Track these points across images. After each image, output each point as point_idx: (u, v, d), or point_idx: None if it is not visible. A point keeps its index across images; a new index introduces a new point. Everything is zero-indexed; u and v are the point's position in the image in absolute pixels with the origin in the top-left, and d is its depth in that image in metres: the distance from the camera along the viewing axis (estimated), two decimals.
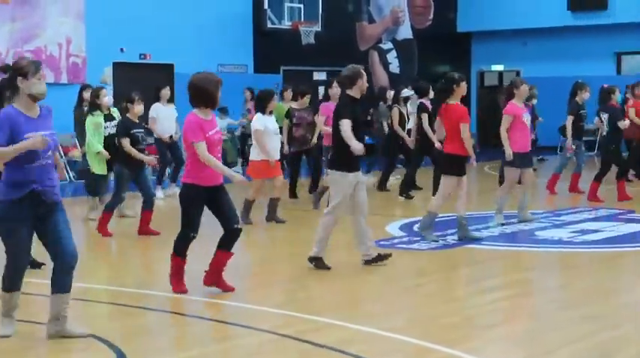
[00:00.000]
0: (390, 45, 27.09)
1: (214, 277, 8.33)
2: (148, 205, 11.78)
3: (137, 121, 11.98)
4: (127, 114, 11.98)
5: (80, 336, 6.78)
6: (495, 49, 28.76)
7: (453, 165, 10.94)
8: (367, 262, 9.61)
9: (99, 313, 8.00)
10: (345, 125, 9.21)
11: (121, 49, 21.29)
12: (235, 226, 8.31)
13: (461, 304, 8.02)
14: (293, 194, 15.43)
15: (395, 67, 27.02)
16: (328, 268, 9.38)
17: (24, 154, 6.51)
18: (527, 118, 12.25)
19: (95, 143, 12.78)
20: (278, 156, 12.64)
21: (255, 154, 12.48)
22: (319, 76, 24.44)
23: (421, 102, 15.61)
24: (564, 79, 26.26)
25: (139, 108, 11.94)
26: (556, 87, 24.36)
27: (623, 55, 27.24)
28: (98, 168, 12.96)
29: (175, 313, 7.72)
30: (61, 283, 6.81)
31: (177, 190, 14.97)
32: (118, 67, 21.02)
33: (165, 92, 16.61)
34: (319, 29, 24.29)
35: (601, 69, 26.44)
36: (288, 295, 8.47)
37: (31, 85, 6.61)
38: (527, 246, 11.00)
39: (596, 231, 11.93)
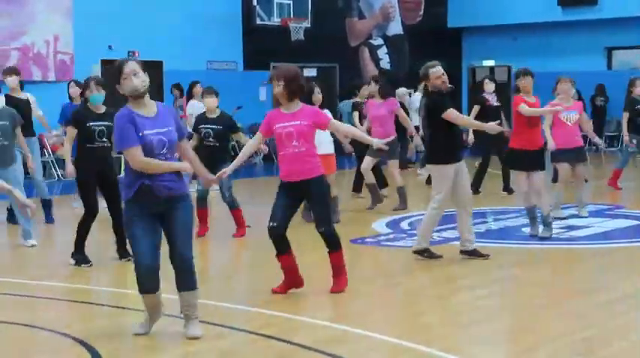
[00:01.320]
0: (380, 41, 27.06)
1: None
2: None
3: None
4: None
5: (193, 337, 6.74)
6: (486, 44, 28.74)
7: None
8: (462, 252, 9.87)
9: (75, 314, 7.93)
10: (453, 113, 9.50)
11: (109, 46, 21.22)
12: (320, 230, 8.25)
13: (441, 302, 7.98)
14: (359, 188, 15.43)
15: (386, 62, 26.99)
16: (439, 256, 9.68)
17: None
18: (566, 116, 12.21)
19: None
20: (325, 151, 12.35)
21: (328, 147, 12.04)
22: (309, 72, 24.37)
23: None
24: (555, 75, 26.32)
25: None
26: (547, 82, 24.30)
27: (614, 50, 27.21)
28: None
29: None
30: (184, 281, 6.84)
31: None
32: (106, 64, 20.93)
33: (198, 89, 16.51)
34: (309, 25, 24.24)
35: (592, 64, 26.45)
36: (268, 295, 8.41)
37: (121, 87, 6.66)
38: (513, 243, 10.96)
39: (584, 227, 11.89)
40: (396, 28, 27.35)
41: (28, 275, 9.54)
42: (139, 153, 6.48)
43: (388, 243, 10.88)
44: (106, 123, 9.55)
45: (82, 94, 9.43)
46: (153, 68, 22.20)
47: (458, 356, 6.21)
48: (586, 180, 13.84)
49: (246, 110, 21.50)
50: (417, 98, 20.81)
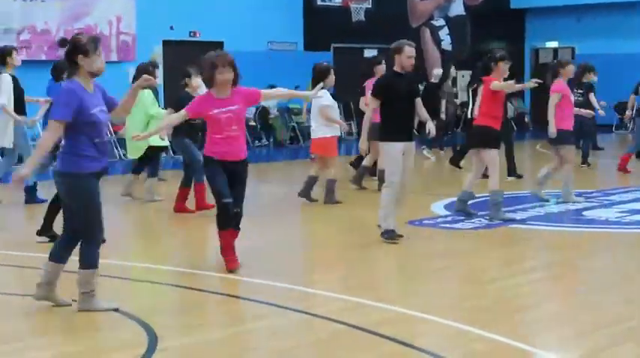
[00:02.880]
0: (442, 22, 26.84)
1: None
2: (189, 182, 11.79)
3: (194, 95, 11.92)
4: (187, 89, 11.94)
5: (113, 308, 6.86)
6: (549, 25, 28.35)
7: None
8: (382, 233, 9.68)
9: (131, 290, 8.01)
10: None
11: (171, 27, 21.34)
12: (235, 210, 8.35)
13: (496, 285, 7.89)
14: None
15: (447, 44, 26.78)
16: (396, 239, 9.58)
17: (86, 130, 6.68)
18: (573, 97, 12.14)
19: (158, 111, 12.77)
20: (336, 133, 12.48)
21: (325, 130, 12.25)
22: (370, 53, 24.26)
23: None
24: (619, 56, 25.92)
25: (196, 81, 11.92)
26: (611, 64, 23.99)
27: None
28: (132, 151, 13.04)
29: (207, 291, 7.69)
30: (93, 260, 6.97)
31: None
32: (167, 44, 21.07)
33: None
34: (369, 6, 24.16)
35: None
36: (322, 275, 8.42)
37: (92, 62, 6.69)
38: (573, 226, 10.82)
39: None
40: (458, 8, 27.11)
41: None
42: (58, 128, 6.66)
43: (446, 225, 10.80)
44: None
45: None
46: (213, 48, 22.30)
47: (511, 339, 6.15)
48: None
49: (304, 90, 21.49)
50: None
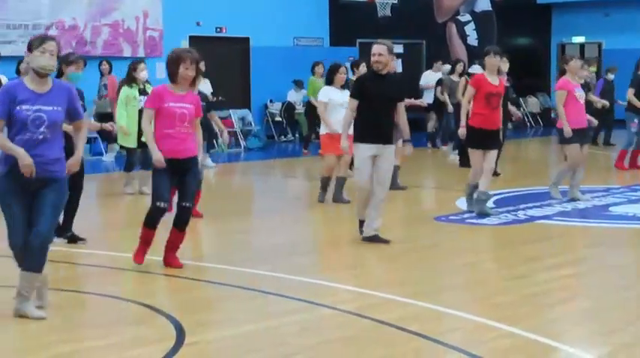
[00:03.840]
0: (468, 17, 26.73)
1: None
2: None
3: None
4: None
5: (37, 318, 6.60)
6: (576, 20, 28.19)
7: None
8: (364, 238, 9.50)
9: (158, 286, 8.05)
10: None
11: (197, 23, 21.39)
12: (182, 203, 8.26)
13: (523, 281, 7.87)
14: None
15: (473, 39, 26.65)
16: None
17: (12, 128, 6.47)
18: (579, 94, 11.90)
19: (122, 115, 12.70)
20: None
21: (322, 128, 12.32)
22: (396, 49, 24.22)
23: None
24: None
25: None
26: None
27: None
28: (124, 140, 12.98)
29: (234, 286, 7.72)
30: (26, 261, 6.62)
31: (208, 161, 14.93)
32: (194, 40, 21.11)
33: (201, 66, 16.46)
34: (395, 1, 24.10)
35: None
36: (350, 270, 8.44)
37: (32, 58, 6.56)
38: (600, 222, 10.78)
39: None
40: (484, 4, 26.97)
41: (115, 248, 9.70)
42: None
43: (472, 221, 10.79)
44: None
45: (59, 68, 9.22)
46: (240, 44, 22.38)
47: (541, 335, 6.14)
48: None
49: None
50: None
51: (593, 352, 5.92)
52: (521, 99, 26.19)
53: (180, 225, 8.30)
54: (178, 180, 8.20)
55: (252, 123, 21.81)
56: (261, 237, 10.42)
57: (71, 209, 9.24)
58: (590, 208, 11.70)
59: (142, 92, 12.92)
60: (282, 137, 22.82)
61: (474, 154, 10.98)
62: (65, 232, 9.47)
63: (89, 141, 19.07)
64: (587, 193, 12.35)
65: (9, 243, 6.65)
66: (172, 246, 8.37)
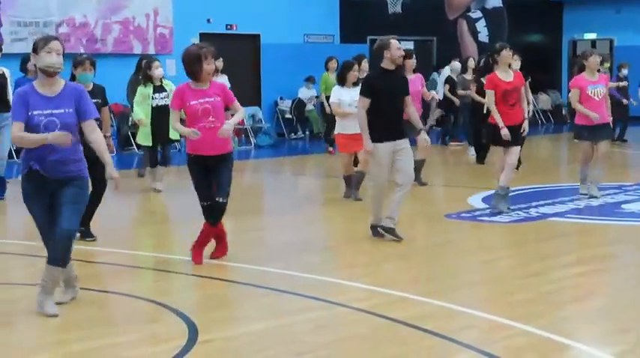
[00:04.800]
0: (479, 13, 26.70)
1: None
2: None
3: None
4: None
5: (50, 315, 6.65)
6: (588, 16, 28.11)
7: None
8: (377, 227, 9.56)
9: (171, 284, 8.05)
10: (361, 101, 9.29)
11: (208, 20, 21.40)
12: (217, 199, 8.29)
13: (537, 279, 7.84)
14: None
15: (484, 36, 26.63)
16: (382, 235, 9.41)
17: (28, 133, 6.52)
18: (592, 90, 11.79)
19: (138, 111, 12.76)
20: (357, 129, 12.21)
21: (337, 128, 12.29)
22: (406, 45, 24.19)
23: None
24: None
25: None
26: None
27: None
28: (141, 138, 13.01)
29: (247, 284, 7.72)
30: (50, 255, 6.73)
31: None
32: (204, 37, 21.11)
33: (219, 63, 16.47)
34: None
35: None
36: (363, 268, 8.41)
37: (39, 58, 6.59)
38: (613, 220, 10.74)
39: None
40: (495, 0, 26.94)
41: (128, 246, 9.70)
42: (17, 128, 6.49)
43: (484, 218, 10.76)
44: (94, 99, 9.29)
45: (72, 74, 9.26)
46: (250, 41, 22.37)
47: (554, 333, 6.12)
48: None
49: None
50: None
51: (607, 350, 5.89)
52: (532, 97, 26.13)
53: (214, 220, 8.41)
54: (214, 176, 8.27)
55: (263, 121, 21.81)
56: (273, 234, 10.42)
57: (91, 205, 9.24)
58: (602, 205, 11.65)
59: (158, 89, 12.95)
60: (293, 134, 22.80)
61: (497, 151, 10.92)
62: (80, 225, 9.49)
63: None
64: (599, 190, 12.29)
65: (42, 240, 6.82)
66: (203, 240, 8.49)
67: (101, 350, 6.01)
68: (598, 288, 7.75)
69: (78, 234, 9.35)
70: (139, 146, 13.23)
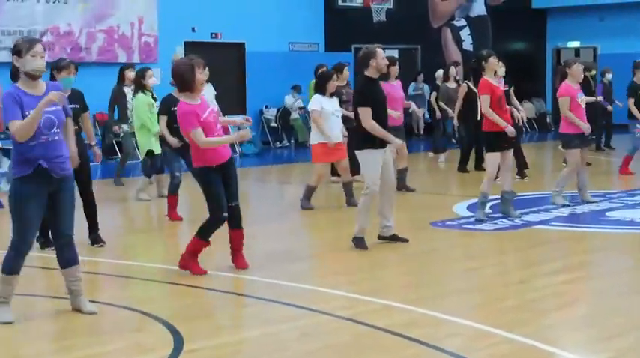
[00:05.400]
0: (463, 22, 26.80)
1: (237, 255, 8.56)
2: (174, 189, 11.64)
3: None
4: (172, 92, 10.96)
5: (89, 313, 6.91)
6: (571, 25, 28.25)
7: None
8: (380, 237, 9.73)
9: (155, 293, 8.04)
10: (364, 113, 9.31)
11: (193, 29, 21.41)
12: (231, 204, 8.31)
13: (522, 287, 7.87)
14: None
15: (468, 44, 26.73)
16: (365, 248, 9.43)
17: None
18: (581, 98, 11.87)
19: (154, 123, 12.65)
20: (338, 139, 12.20)
21: (313, 138, 12.27)
22: (391, 54, 24.24)
23: None
24: None
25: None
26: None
27: None
28: (153, 144, 12.91)
29: (232, 293, 7.72)
30: (62, 259, 6.92)
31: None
32: (189, 46, 21.13)
33: (205, 72, 16.41)
34: (391, 6, 24.14)
35: None
36: (348, 277, 8.42)
37: (25, 62, 6.64)
38: (597, 227, 10.77)
39: None
40: (479, 8, 27.05)
41: (113, 255, 9.68)
42: (18, 126, 6.54)
43: (469, 227, 10.78)
44: (74, 104, 9.08)
45: (51, 75, 9.22)
46: (235, 50, 22.38)
47: (538, 341, 6.13)
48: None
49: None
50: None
51: None
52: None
53: (237, 223, 8.43)
54: (223, 183, 8.30)
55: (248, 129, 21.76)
56: (258, 243, 10.39)
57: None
58: (587, 213, 11.70)
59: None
60: (278, 143, 22.81)
61: (493, 157, 10.98)
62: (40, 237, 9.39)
63: None
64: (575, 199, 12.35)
65: (18, 241, 6.74)
66: (238, 246, 8.52)
67: None
68: (583, 296, 7.78)
69: (38, 244, 9.30)
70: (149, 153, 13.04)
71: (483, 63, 11.10)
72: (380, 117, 9.36)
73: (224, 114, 20.87)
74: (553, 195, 12.18)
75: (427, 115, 18.95)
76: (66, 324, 6.78)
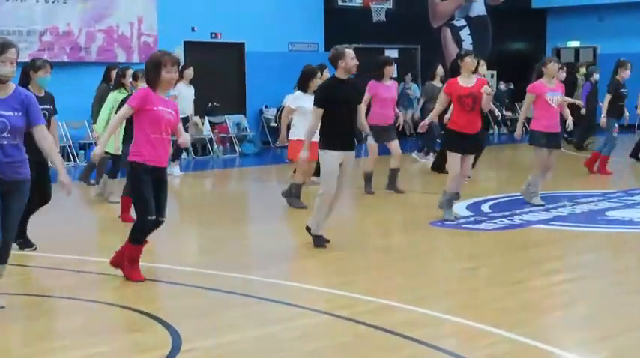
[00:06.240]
0: (463, 22, 26.77)
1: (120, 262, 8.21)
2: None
3: None
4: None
5: None
6: (571, 25, 28.23)
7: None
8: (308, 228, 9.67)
9: (154, 292, 8.02)
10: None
11: (192, 29, 21.39)
12: (160, 218, 8.02)
13: (521, 286, 7.86)
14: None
15: (468, 44, 26.69)
16: (323, 246, 9.46)
17: None
18: (551, 98, 11.84)
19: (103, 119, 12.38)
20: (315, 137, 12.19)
21: (292, 134, 12.23)
22: (390, 53, 24.25)
23: None
24: None
25: (142, 85, 11.75)
26: (634, 64, 23.74)
27: None
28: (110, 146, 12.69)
29: (231, 293, 7.70)
30: None
31: (176, 169, 15.53)
32: (189, 46, 21.12)
33: (189, 72, 16.39)
34: (390, 6, 24.13)
35: None
36: (347, 276, 8.41)
37: None
38: (596, 227, 10.77)
39: None
40: (479, 8, 27.02)
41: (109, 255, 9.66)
42: None
43: (468, 226, 10.77)
44: (47, 106, 9.09)
45: (26, 74, 9.13)
46: (235, 50, 22.36)
47: (537, 341, 6.13)
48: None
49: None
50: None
51: (590, 357, 5.90)
52: (516, 104, 26.20)
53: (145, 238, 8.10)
54: (154, 190, 7.94)
55: (248, 129, 21.80)
56: (257, 243, 10.41)
57: (26, 213, 9.03)
58: (586, 213, 11.69)
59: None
60: (278, 143, 22.77)
61: (452, 157, 10.95)
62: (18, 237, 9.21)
63: (84, 147, 19.04)
64: (582, 198, 12.34)
65: None
66: (135, 259, 8.11)
67: None
68: (581, 295, 7.77)
69: (16, 246, 9.23)
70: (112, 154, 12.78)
71: (459, 62, 11.08)
72: (341, 117, 9.25)
73: (224, 114, 21.04)
74: (528, 197, 12.12)
75: (419, 115, 18.83)
76: (62, 324, 6.78)
